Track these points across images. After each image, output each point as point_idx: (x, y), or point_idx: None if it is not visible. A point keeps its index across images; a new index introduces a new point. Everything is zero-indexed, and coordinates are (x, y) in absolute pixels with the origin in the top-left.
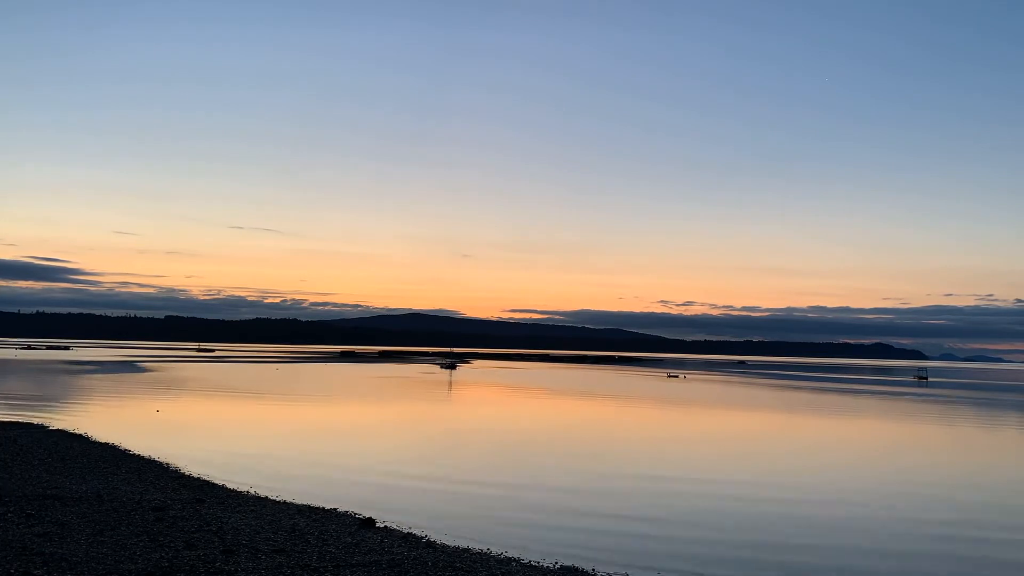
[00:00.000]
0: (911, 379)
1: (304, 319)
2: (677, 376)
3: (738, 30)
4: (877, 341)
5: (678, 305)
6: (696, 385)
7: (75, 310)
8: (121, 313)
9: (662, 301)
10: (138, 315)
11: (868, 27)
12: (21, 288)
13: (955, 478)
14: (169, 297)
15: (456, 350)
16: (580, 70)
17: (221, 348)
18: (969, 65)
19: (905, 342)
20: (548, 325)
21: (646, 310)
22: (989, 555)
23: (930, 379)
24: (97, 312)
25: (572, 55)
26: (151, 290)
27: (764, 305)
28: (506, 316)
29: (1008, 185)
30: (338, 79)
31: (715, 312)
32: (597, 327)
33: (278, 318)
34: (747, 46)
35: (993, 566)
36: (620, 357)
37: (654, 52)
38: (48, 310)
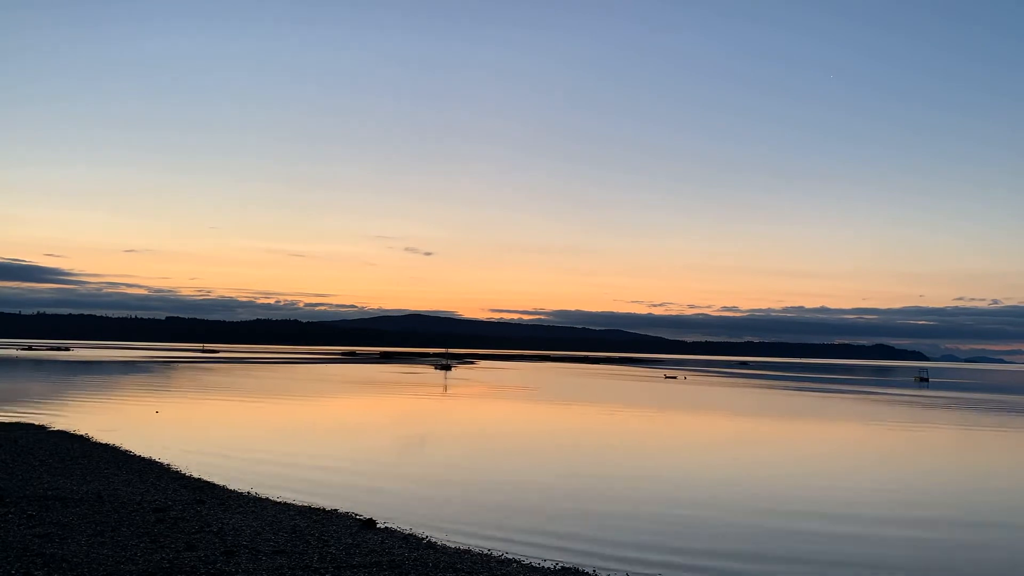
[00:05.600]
0: (912, 380)
1: (303, 320)
2: (675, 377)
3: (738, 24)
4: (877, 342)
5: (655, 305)
6: (696, 387)
7: (64, 311)
8: (123, 314)
9: (635, 300)
10: (139, 316)
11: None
12: (8, 288)
13: (968, 485)
14: (160, 298)
15: (453, 351)
16: (572, 65)
17: (224, 349)
18: (973, 63)
19: (895, 342)
20: (547, 326)
21: (624, 310)
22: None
23: (931, 380)
24: (96, 313)
25: (565, 50)
26: (141, 291)
27: (743, 306)
28: (489, 317)
29: (995, 183)
30: (335, 78)
31: (692, 312)
32: (596, 328)
33: (279, 319)
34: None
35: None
36: (617, 357)
37: (651, 47)
38: (48, 311)
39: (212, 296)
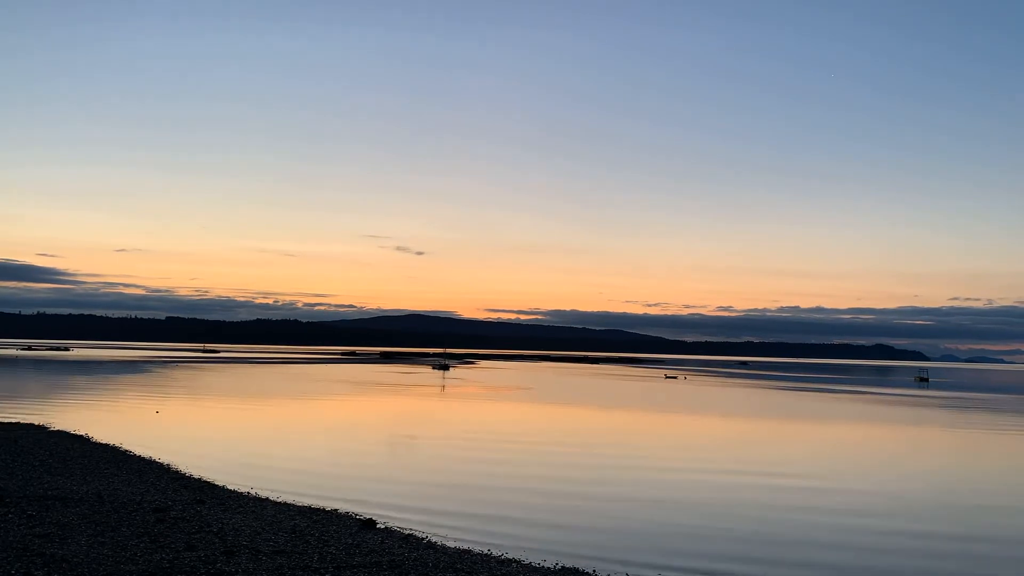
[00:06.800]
0: (912, 380)
1: (303, 320)
2: (676, 377)
3: (735, 22)
4: (875, 342)
5: (650, 305)
6: (696, 387)
7: (64, 311)
8: (123, 314)
9: (629, 300)
10: (139, 316)
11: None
12: (4, 288)
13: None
14: (158, 298)
15: (453, 351)
16: (568, 63)
17: (224, 349)
18: (969, 62)
19: (893, 342)
20: (546, 326)
21: (619, 310)
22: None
23: (931, 380)
24: (94, 313)
25: (561, 48)
26: (138, 291)
27: (739, 306)
28: (486, 316)
29: (990, 182)
30: (336, 79)
31: (687, 312)
32: (595, 328)
33: (278, 319)
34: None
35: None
36: (617, 357)
37: (647, 45)
38: (47, 311)
39: (209, 296)
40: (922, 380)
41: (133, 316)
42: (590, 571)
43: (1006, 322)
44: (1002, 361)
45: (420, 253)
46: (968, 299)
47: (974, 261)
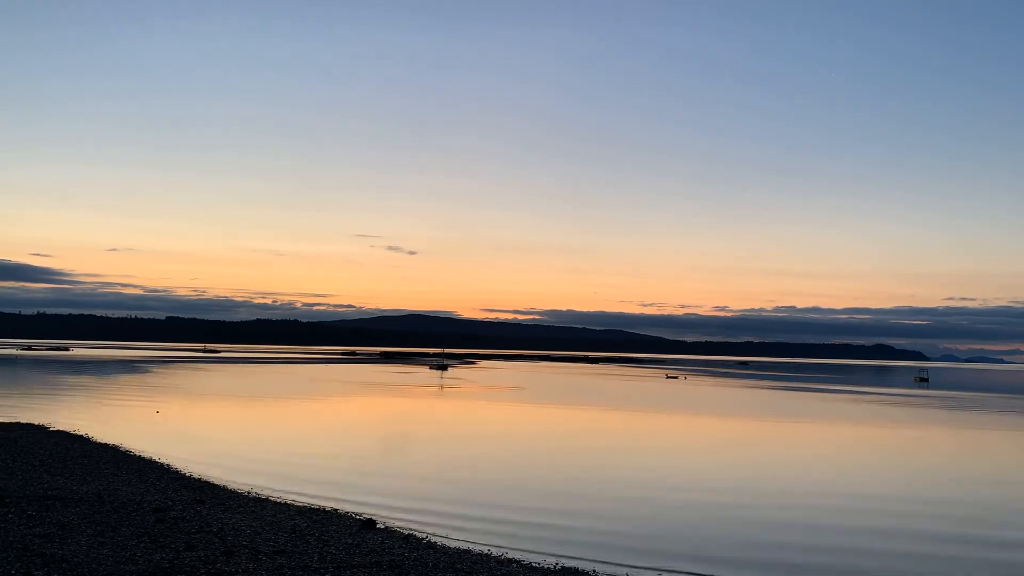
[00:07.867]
0: (912, 381)
1: (303, 320)
2: (676, 377)
3: (734, 21)
4: (874, 342)
5: (645, 304)
6: (697, 387)
7: (63, 311)
8: (122, 314)
9: (624, 300)
10: (139, 316)
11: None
12: (2, 288)
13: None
14: (156, 297)
15: (455, 351)
16: (565, 61)
17: (224, 349)
18: (967, 60)
19: (891, 342)
20: (546, 326)
21: (614, 309)
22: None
23: (931, 380)
24: (93, 313)
25: (560, 45)
26: (136, 291)
27: (734, 306)
28: (484, 316)
29: (987, 182)
30: (333, 79)
31: (683, 312)
32: (594, 327)
33: (278, 319)
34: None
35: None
36: (617, 357)
37: (645, 43)
38: (47, 311)
39: (208, 296)
40: (922, 380)
41: (133, 316)
42: (590, 571)
43: (1004, 322)
44: (1002, 361)
45: (412, 253)
46: (964, 299)
47: (970, 261)
